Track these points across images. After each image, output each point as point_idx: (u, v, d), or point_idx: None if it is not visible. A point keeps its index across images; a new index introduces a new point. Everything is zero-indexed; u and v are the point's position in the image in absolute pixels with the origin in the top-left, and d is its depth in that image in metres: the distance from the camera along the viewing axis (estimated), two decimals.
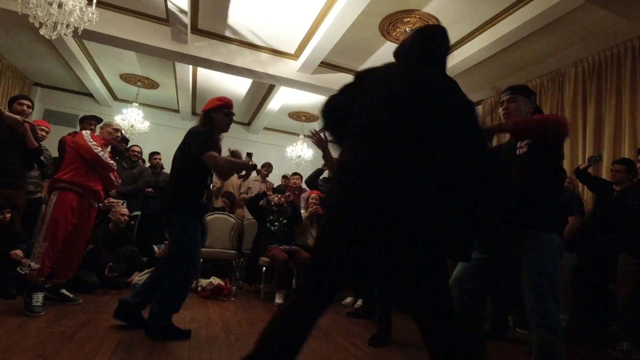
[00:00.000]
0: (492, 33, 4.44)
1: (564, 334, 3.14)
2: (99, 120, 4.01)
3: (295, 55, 5.50)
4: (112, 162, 3.08)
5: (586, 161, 3.82)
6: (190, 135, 2.52)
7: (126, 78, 7.05)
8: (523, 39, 4.38)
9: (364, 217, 1.22)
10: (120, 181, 3.41)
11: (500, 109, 2.02)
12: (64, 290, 3.03)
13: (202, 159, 2.37)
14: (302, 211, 4.61)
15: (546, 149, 1.79)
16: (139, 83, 7.15)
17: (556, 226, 1.79)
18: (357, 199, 1.25)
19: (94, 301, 3.16)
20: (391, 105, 1.33)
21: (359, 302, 3.93)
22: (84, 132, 3.05)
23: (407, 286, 1.34)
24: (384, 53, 5.26)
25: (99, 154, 2.95)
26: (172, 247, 2.53)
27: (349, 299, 4.08)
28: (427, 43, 1.48)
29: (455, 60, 5.05)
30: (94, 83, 7.09)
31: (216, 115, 2.61)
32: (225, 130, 2.68)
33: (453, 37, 4.81)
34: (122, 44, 4.90)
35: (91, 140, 2.96)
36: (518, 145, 1.89)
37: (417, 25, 4.57)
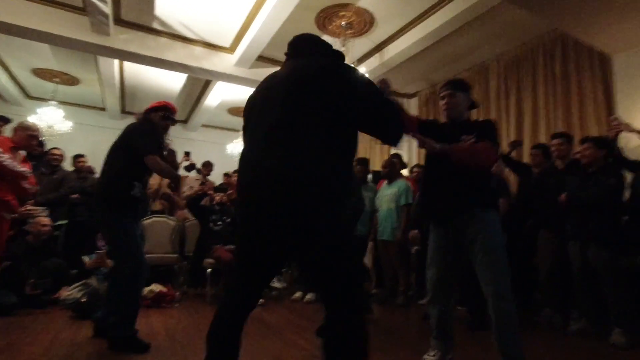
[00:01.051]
0: (423, 28, 4.64)
1: None
2: (6, 120, 3.55)
3: (231, 49, 5.32)
4: (22, 168, 2.75)
5: (508, 146, 4.15)
6: (133, 132, 2.42)
7: (40, 73, 6.33)
8: (451, 33, 4.63)
9: (245, 207, 1.34)
10: (36, 188, 3.04)
11: (441, 103, 2.12)
12: None
13: (145, 160, 2.32)
14: None
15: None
16: (55, 79, 6.47)
17: (494, 204, 2.00)
18: (240, 189, 1.39)
19: (14, 323, 2.82)
20: (263, 98, 1.46)
21: (308, 296, 3.94)
22: None
23: (307, 271, 1.41)
24: None
25: (4, 162, 2.61)
26: (111, 252, 2.39)
27: (298, 294, 4.07)
28: (295, 42, 1.61)
29: (390, 54, 5.22)
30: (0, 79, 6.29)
31: (154, 115, 2.55)
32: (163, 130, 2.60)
33: (387, 32, 4.97)
34: (31, 35, 4.38)
35: None
36: (462, 139, 1.98)
37: (353, 19, 4.64)
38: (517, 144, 4.07)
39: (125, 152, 2.37)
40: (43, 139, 2.96)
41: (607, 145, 2.95)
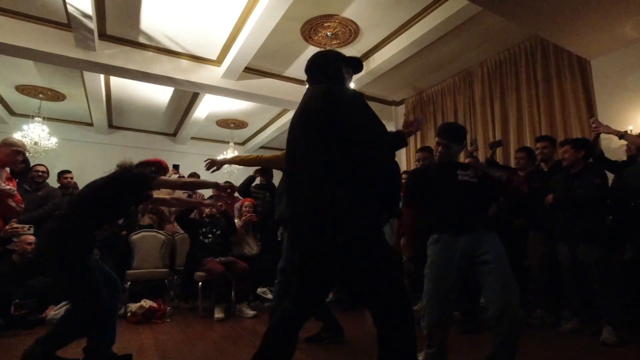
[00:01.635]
0: (407, 37, 4.72)
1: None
2: None
3: (218, 62, 5.34)
4: (8, 186, 2.69)
5: (489, 147, 4.20)
6: (125, 175, 2.29)
7: (24, 90, 6.26)
8: (435, 41, 4.73)
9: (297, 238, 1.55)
10: (22, 206, 2.97)
11: (436, 149, 2.19)
12: None
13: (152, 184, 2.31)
14: (236, 220, 4.46)
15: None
16: (40, 95, 6.40)
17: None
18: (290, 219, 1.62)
19: None
20: (292, 127, 1.60)
21: None
22: None
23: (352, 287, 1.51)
24: (308, 57, 5.31)
25: None
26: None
27: None
28: (311, 67, 1.69)
29: (376, 63, 5.29)
30: None
31: (145, 170, 2.50)
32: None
33: (373, 41, 5.05)
34: (15, 52, 4.34)
35: None
36: (459, 173, 2.05)
37: (338, 29, 4.71)
38: (497, 145, 4.12)
39: (107, 197, 2.20)
40: (27, 154, 2.86)
41: (585, 146, 3.01)
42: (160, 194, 5.11)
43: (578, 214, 2.80)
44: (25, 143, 5.95)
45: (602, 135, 3.62)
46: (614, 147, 3.91)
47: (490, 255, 1.86)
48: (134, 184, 2.26)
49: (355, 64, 1.71)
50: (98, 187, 2.23)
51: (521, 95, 5.01)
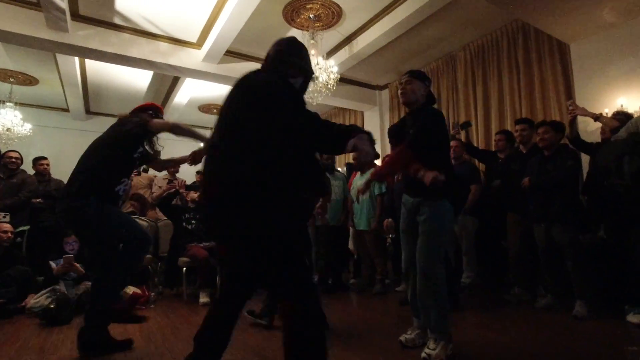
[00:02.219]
0: (391, 19, 4.68)
1: (470, 289, 3.50)
2: None
3: (198, 44, 5.20)
4: None
5: (453, 128, 4.25)
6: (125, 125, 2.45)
7: None
8: (419, 25, 4.71)
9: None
10: None
11: (399, 89, 2.24)
12: None
13: (151, 126, 2.41)
14: None
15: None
16: (11, 79, 6.14)
17: (447, 194, 2.10)
18: None
19: None
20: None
21: None
22: None
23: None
24: None
25: None
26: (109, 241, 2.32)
27: None
28: (270, 55, 1.64)
29: (359, 46, 5.25)
30: None
31: (142, 115, 2.55)
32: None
33: (356, 24, 4.99)
34: None
35: None
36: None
37: (320, 11, 4.63)
38: (466, 125, 4.18)
39: (114, 148, 2.35)
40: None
41: (563, 129, 3.10)
42: (140, 180, 5.03)
43: (552, 196, 2.88)
44: None
45: (580, 119, 3.71)
46: (590, 130, 4.01)
47: (425, 221, 2.07)
48: (135, 130, 2.38)
49: (307, 74, 1.68)
50: (99, 143, 2.41)
51: (503, 79, 5.07)
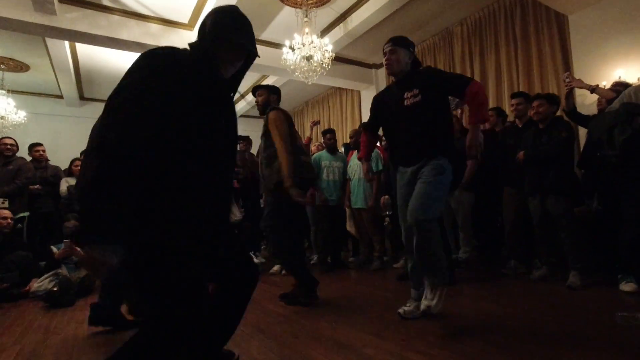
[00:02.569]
0: None
1: (467, 264, 3.52)
2: None
3: (190, 25, 5.11)
4: None
5: (455, 104, 4.22)
6: None
7: None
8: (414, 0, 4.61)
9: None
10: None
11: (383, 60, 2.20)
12: None
13: None
14: None
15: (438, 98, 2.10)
16: (2, 66, 6.05)
17: (448, 153, 2.11)
18: None
19: None
20: None
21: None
22: None
23: None
24: (284, 19, 5.15)
25: None
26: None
27: (275, 267, 4.12)
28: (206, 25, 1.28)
29: (354, 24, 5.15)
30: None
31: None
32: None
33: (350, 0, 4.88)
34: None
35: None
36: (405, 97, 2.13)
37: None
38: (458, 104, 4.14)
39: None
40: None
41: (558, 102, 3.08)
42: None
43: (547, 168, 2.88)
44: None
45: (577, 91, 3.68)
46: (587, 103, 3.99)
47: (424, 173, 2.05)
48: None
49: (251, 55, 1.35)
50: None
51: (500, 53, 5.00)
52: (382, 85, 6.88)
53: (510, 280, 3.13)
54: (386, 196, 3.78)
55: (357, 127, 5.77)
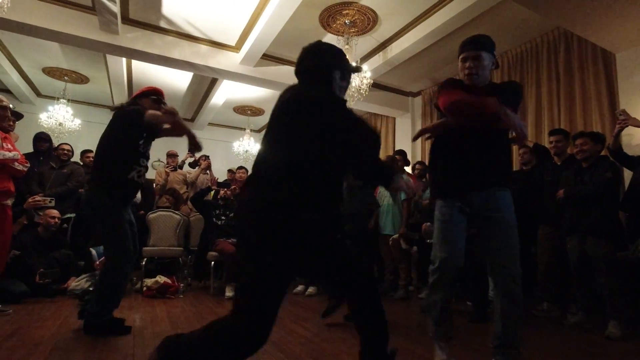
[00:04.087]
0: (426, 26, 4.67)
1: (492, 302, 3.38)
2: (18, 116, 3.65)
3: (237, 48, 5.40)
4: (9, 152, 2.77)
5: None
6: (122, 119, 2.48)
7: (50, 72, 6.49)
8: (454, 31, 4.65)
9: None
10: (28, 165, 3.03)
11: (464, 66, 1.80)
12: None
13: (145, 118, 2.38)
14: None
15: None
16: (65, 77, 6.62)
17: (509, 186, 1.85)
18: None
19: (24, 310, 2.93)
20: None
21: (310, 290, 4.00)
22: None
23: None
24: None
25: None
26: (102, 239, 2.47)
27: (299, 287, 4.13)
28: (300, 62, 1.56)
29: (393, 52, 5.26)
30: (11, 77, 6.44)
31: (142, 101, 2.58)
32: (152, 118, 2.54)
33: (391, 30, 5.01)
34: (42, 34, 4.49)
35: None
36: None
37: (356, 17, 4.69)
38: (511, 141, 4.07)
39: (115, 140, 2.43)
40: (7, 106, 2.92)
41: (602, 141, 2.98)
42: (176, 176, 5.25)
43: (588, 208, 2.77)
44: (51, 124, 6.22)
45: (625, 131, 3.53)
46: (634, 144, 3.82)
47: (499, 215, 1.74)
48: (127, 120, 2.42)
49: (350, 71, 1.59)
50: (102, 137, 2.50)
51: (541, 88, 4.92)
52: (418, 113, 6.90)
53: (543, 324, 2.98)
54: (428, 223, 3.70)
55: (390, 153, 5.79)
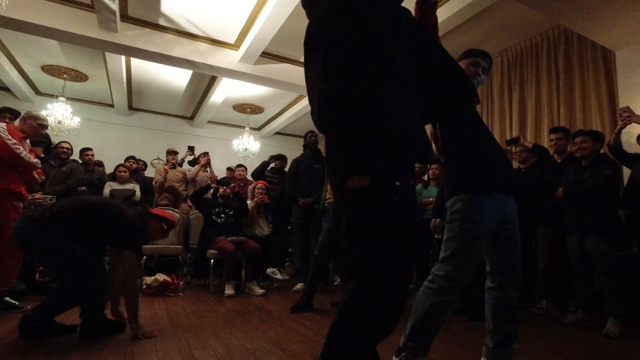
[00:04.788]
0: None
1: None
2: (16, 113, 3.65)
3: (236, 45, 5.39)
4: (35, 160, 2.84)
5: (506, 144, 4.16)
6: (127, 222, 2.32)
7: (49, 70, 6.47)
8: (454, 29, 4.65)
9: None
10: (43, 177, 3.13)
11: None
12: (8, 298, 2.81)
13: (123, 250, 2.28)
14: (249, 202, 4.57)
15: None
16: (64, 75, 6.60)
17: None
18: None
19: (23, 309, 2.91)
20: None
21: None
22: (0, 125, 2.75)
23: None
24: None
25: (20, 154, 2.70)
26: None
27: (299, 285, 4.13)
28: None
29: None
30: (10, 76, 6.43)
31: (155, 223, 2.55)
32: (152, 239, 2.61)
33: None
34: (41, 31, 4.49)
35: (9, 137, 2.68)
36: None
37: None
38: (513, 142, 4.02)
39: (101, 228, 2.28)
40: (47, 126, 3.04)
41: (602, 139, 2.98)
42: (175, 174, 5.25)
43: (588, 206, 2.77)
44: (50, 122, 6.21)
45: (625, 129, 3.53)
46: (634, 142, 3.82)
47: (514, 223, 1.67)
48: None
49: None
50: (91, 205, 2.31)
51: (541, 86, 4.92)
52: None
53: (542, 322, 2.98)
54: (437, 219, 3.65)
55: None
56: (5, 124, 2.82)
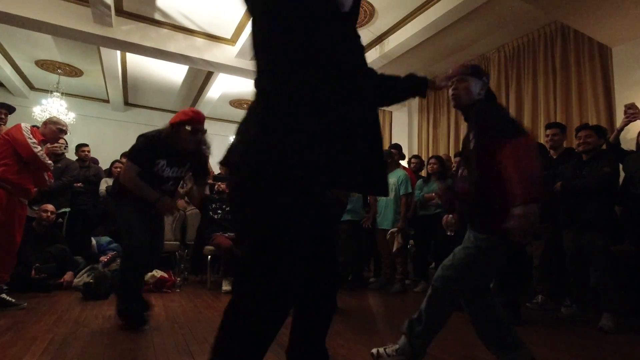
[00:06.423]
0: (424, 19, 4.65)
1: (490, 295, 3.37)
2: (11, 109, 3.62)
3: (232, 41, 5.36)
4: (50, 162, 2.90)
5: None
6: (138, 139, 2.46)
7: (43, 65, 6.41)
8: (452, 25, 4.63)
9: None
10: (52, 181, 3.20)
11: (450, 90, 1.74)
12: (4, 295, 2.79)
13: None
14: None
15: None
16: (59, 70, 6.54)
17: None
18: None
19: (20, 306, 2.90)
20: None
21: None
22: (23, 125, 2.79)
23: None
24: None
25: (39, 154, 2.76)
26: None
27: None
28: None
29: (390, 46, 5.23)
30: (4, 71, 6.37)
31: (183, 130, 2.41)
32: (189, 147, 2.44)
33: (388, 23, 4.99)
34: (35, 26, 4.43)
35: (31, 137, 2.75)
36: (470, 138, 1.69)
37: None
38: None
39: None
40: (67, 132, 3.12)
41: (605, 135, 2.99)
42: None
43: (584, 202, 2.78)
44: (44, 117, 6.16)
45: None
46: (629, 138, 3.83)
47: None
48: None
49: None
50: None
51: (538, 82, 4.92)
52: (415, 107, 6.89)
53: (537, 316, 3.01)
54: (450, 215, 3.65)
55: (386, 147, 5.79)
56: (29, 125, 2.87)
